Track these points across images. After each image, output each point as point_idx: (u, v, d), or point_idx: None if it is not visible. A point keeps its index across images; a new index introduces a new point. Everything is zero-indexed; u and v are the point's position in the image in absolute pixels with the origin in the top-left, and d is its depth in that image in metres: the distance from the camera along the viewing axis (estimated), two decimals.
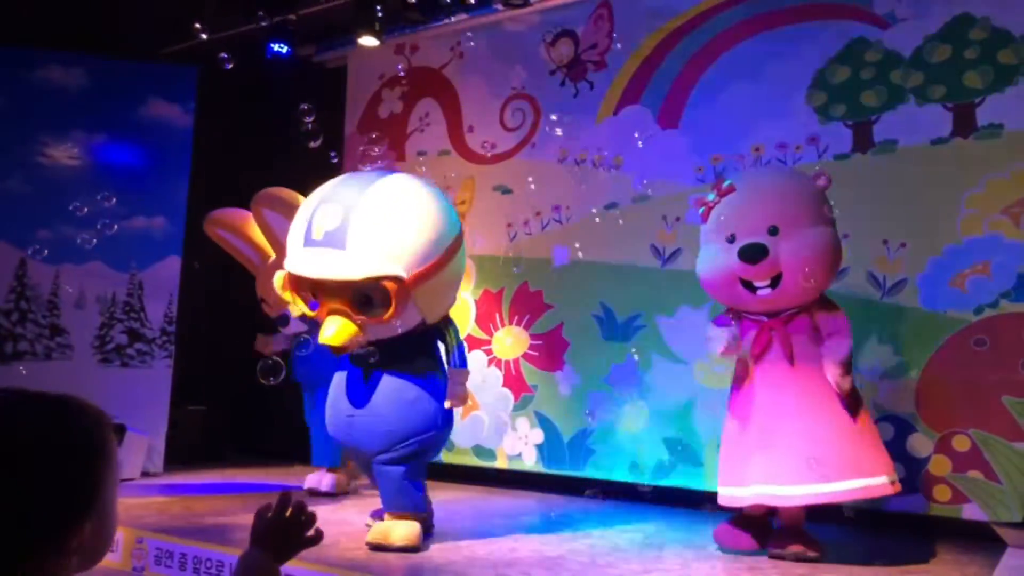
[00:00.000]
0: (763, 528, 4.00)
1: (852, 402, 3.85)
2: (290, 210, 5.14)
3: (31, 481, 1.08)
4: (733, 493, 3.91)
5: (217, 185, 6.51)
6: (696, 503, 5.00)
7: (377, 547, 3.80)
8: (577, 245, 5.79)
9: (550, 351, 5.93)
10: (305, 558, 3.55)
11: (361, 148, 6.22)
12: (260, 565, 1.43)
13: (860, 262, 4.91)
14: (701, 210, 4.13)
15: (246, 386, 5.90)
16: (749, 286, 3.88)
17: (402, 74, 6.72)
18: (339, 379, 4.10)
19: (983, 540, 4.21)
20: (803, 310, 3.92)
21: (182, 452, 6.40)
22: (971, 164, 4.68)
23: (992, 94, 4.67)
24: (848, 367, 3.81)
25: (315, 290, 3.86)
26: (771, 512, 3.99)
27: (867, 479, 3.72)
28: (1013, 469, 4.40)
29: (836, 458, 3.70)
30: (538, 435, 5.90)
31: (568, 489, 5.61)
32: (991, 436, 4.47)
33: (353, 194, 3.79)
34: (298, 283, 3.85)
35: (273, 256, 5.38)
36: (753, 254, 3.78)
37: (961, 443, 4.54)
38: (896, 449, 4.69)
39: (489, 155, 6.30)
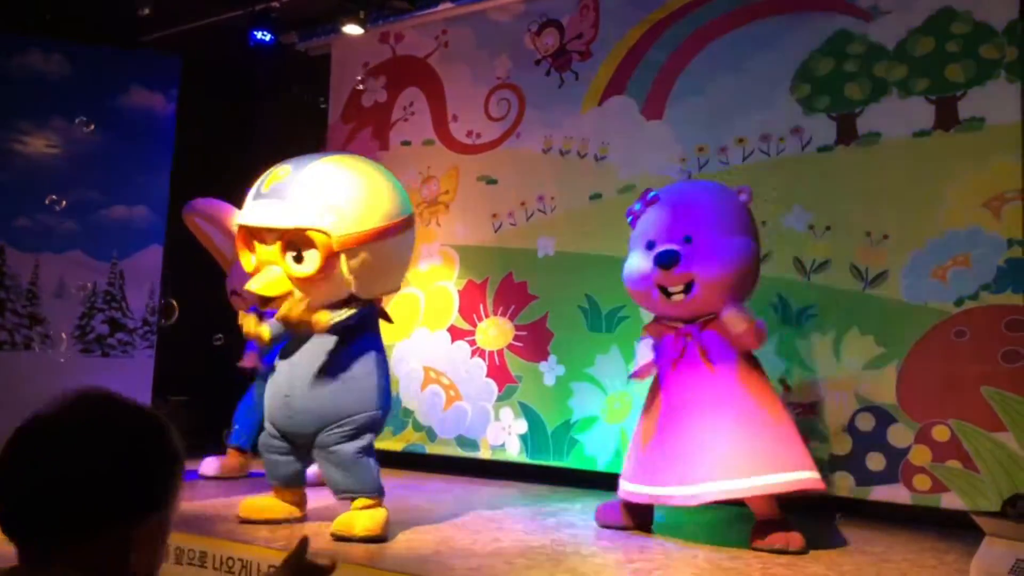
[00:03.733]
0: (642, 511, 4.21)
1: (770, 400, 3.98)
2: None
3: (136, 457, 1.21)
4: (637, 490, 4.07)
5: (199, 174, 6.45)
6: None
7: (341, 538, 3.73)
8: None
9: (534, 342, 5.93)
10: (288, 549, 3.55)
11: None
12: None
13: (842, 254, 4.95)
14: (629, 219, 4.37)
15: (229, 377, 5.91)
16: (665, 291, 4.06)
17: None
18: (277, 364, 4.08)
19: (962, 529, 4.25)
20: (718, 316, 4.03)
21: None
22: (953, 157, 4.71)
23: (974, 88, 4.70)
24: (743, 321, 3.92)
25: (255, 242, 3.88)
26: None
27: (789, 474, 3.80)
28: (991, 459, 4.45)
29: (751, 455, 3.80)
30: (522, 425, 5.91)
31: (551, 479, 5.63)
32: (970, 426, 4.52)
33: (307, 159, 3.96)
34: (243, 237, 3.92)
35: None
36: (667, 260, 3.98)
37: (941, 433, 4.59)
38: (877, 439, 4.75)
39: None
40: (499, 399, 6.02)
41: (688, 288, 4.00)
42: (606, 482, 4.58)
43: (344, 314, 3.88)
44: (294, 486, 4.12)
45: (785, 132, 5.17)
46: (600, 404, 5.61)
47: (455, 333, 6.26)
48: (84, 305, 6.22)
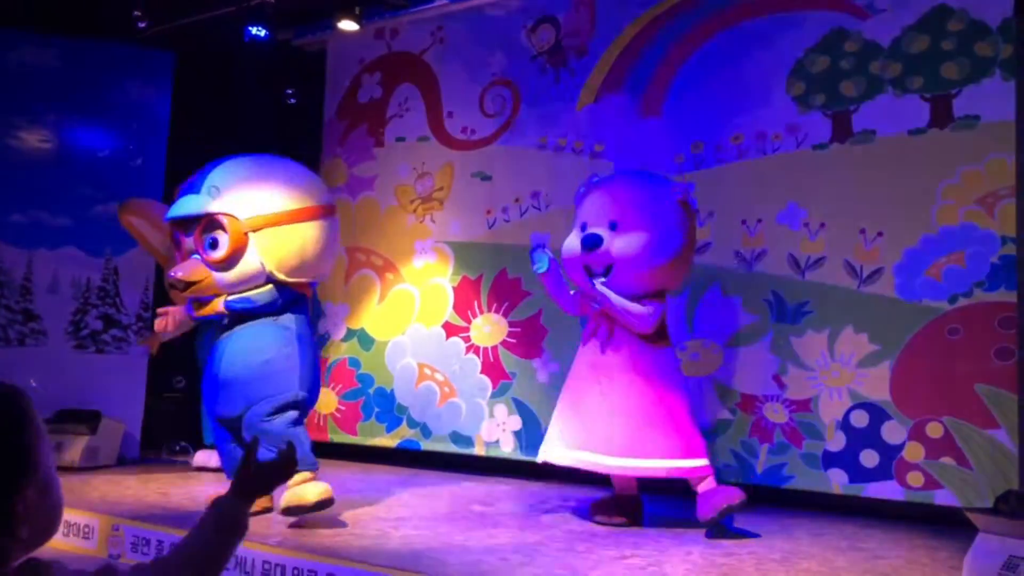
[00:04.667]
0: (635, 508, 4.37)
1: (658, 386, 4.19)
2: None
3: None
4: (552, 454, 4.35)
5: (193, 169, 6.42)
6: (672, 488, 5.02)
7: (293, 511, 3.88)
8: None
9: (528, 338, 5.93)
10: (284, 545, 3.56)
11: None
12: (230, 507, 1.50)
13: (837, 251, 4.96)
14: (575, 200, 4.58)
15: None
16: (589, 271, 4.27)
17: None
18: (213, 347, 4.31)
19: (955, 525, 4.26)
20: (636, 300, 4.24)
21: (158, 439, 6.35)
22: (947, 155, 4.72)
23: (968, 85, 4.71)
24: (636, 316, 4.19)
25: (180, 236, 4.19)
26: (639, 497, 4.41)
27: (668, 460, 4.10)
28: (984, 456, 4.47)
29: (636, 436, 4.11)
30: (516, 422, 5.91)
31: (545, 476, 5.63)
32: (964, 423, 4.53)
33: (223, 159, 4.27)
34: (172, 233, 4.25)
35: None
36: (590, 243, 4.21)
37: (934, 430, 4.60)
38: (871, 436, 4.76)
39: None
40: (493, 396, 6.02)
41: (608, 271, 4.22)
42: (600, 478, 4.58)
43: (241, 294, 4.12)
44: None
45: (780, 129, 5.17)
46: None
47: (450, 329, 6.25)
48: (78, 301, 6.21)
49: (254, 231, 4.06)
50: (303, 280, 4.30)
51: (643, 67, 5.73)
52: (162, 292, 6.42)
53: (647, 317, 4.22)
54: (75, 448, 5.54)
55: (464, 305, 6.24)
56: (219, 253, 4.03)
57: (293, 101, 7.08)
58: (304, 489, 3.92)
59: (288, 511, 3.89)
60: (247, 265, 4.08)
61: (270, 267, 4.12)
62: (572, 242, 4.37)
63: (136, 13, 5.71)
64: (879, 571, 3.51)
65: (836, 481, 4.83)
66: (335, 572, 3.30)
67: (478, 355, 6.12)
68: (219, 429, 4.23)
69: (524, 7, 6.24)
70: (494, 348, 6.07)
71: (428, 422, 6.21)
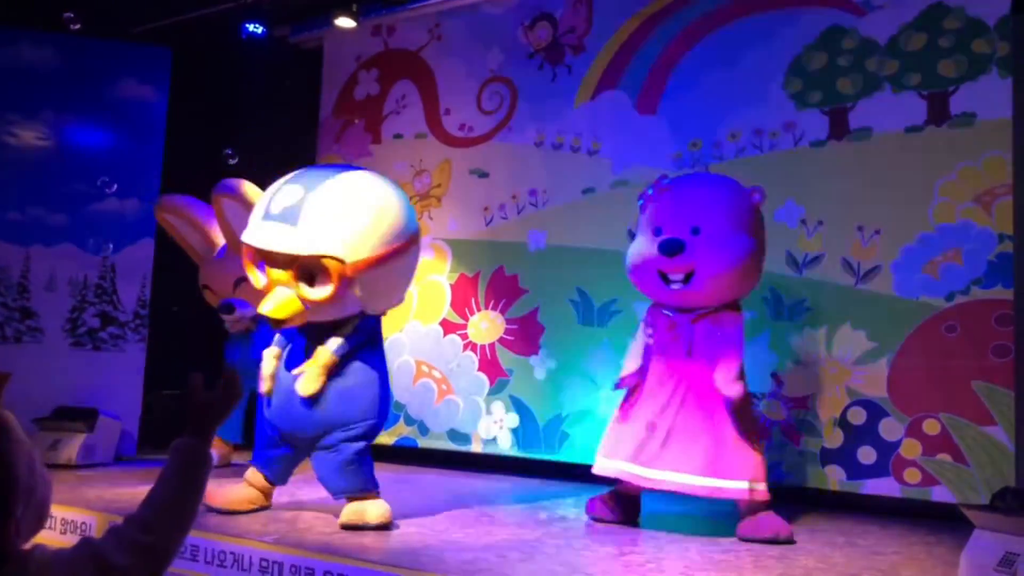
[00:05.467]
0: (631, 505, 4.27)
1: (740, 408, 3.98)
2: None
3: None
4: (605, 464, 4.18)
5: (190, 167, 6.42)
6: None
7: (352, 527, 3.83)
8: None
9: (526, 336, 5.93)
10: (283, 542, 3.55)
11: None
12: (189, 447, 1.53)
13: (835, 249, 4.97)
14: (640, 202, 4.34)
15: (220, 371, 5.89)
16: (665, 278, 4.06)
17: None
18: (283, 374, 4.09)
19: (952, 521, 4.27)
20: (712, 311, 4.07)
21: (156, 437, 6.34)
22: (944, 152, 4.73)
23: (965, 83, 4.72)
24: (736, 378, 3.94)
25: (265, 263, 3.91)
26: (639, 496, 4.28)
27: (725, 481, 3.88)
28: (981, 452, 4.48)
29: (704, 455, 3.90)
30: (513, 419, 5.92)
31: (543, 473, 5.63)
32: (961, 420, 4.54)
33: (316, 178, 3.91)
34: (252, 255, 3.95)
35: (219, 245, 5.52)
36: (671, 248, 3.97)
37: (931, 427, 4.61)
38: (868, 433, 4.77)
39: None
40: (490, 393, 6.02)
41: (688, 279, 4.00)
42: (597, 476, 4.58)
43: (339, 341, 3.96)
44: (276, 482, 4.23)
45: (778, 127, 5.18)
46: (591, 398, 5.62)
47: (447, 327, 6.25)
48: (76, 298, 6.20)
49: (358, 273, 3.79)
50: (388, 309, 4.21)
51: (640, 64, 5.73)
52: (160, 290, 6.41)
53: (734, 380, 3.96)
54: (72, 446, 5.53)
55: (461, 302, 6.24)
56: (320, 295, 3.78)
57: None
58: (366, 508, 3.88)
59: (344, 526, 3.85)
60: (345, 303, 3.88)
61: (366, 305, 3.96)
62: (645, 248, 4.14)
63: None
64: (876, 567, 3.52)
65: (833, 478, 4.84)
66: (332, 569, 3.29)
67: (475, 352, 6.12)
68: (276, 438, 4.11)
69: (521, 4, 6.23)
70: (491, 345, 6.07)
71: (425, 419, 6.21)
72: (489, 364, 6.06)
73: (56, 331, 6.14)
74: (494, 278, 6.13)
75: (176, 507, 1.45)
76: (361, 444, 3.99)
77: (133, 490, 4.86)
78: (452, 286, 6.29)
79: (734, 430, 3.95)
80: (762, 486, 3.93)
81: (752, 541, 3.87)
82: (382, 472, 4.18)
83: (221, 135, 6.98)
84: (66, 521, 4.04)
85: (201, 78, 6.80)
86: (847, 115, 5.03)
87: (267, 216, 3.86)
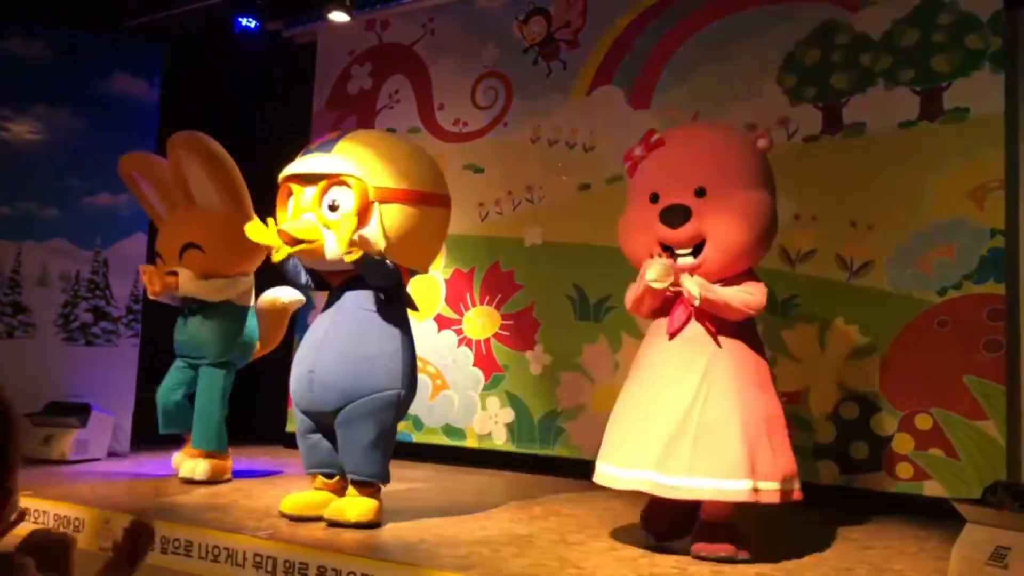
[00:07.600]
0: (687, 515, 3.55)
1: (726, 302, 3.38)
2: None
3: None
4: (613, 474, 3.49)
5: None
6: None
7: (334, 523, 3.76)
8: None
9: (521, 331, 5.93)
10: (276, 537, 3.55)
11: None
12: None
13: (828, 244, 4.97)
14: (627, 164, 3.73)
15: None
16: (671, 252, 3.44)
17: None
18: (307, 335, 4.05)
19: (943, 516, 4.29)
20: (728, 283, 3.44)
21: (149, 432, 6.32)
22: (938, 148, 4.74)
23: (959, 78, 4.73)
24: (726, 299, 3.37)
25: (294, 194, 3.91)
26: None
27: (759, 481, 3.28)
28: (972, 447, 4.50)
29: (735, 455, 3.27)
30: (508, 414, 5.92)
31: (538, 468, 5.64)
32: (953, 415, 4.56)
33: (361, 130, 4.28)
34: (286, 193, 3.95)
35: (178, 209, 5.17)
36: (674, 217, 3.36)
37: (923, 422, 4.63)
38: (860, 427, 4.79)
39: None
40: (486, 388, 6.02)
41: (698, 250, 3.40)
42: (592, 471, 4.58)
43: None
44: (330, 471, 3.99)
45: (771, 122, 5.17)
46: (587, 394, 5.62)
47: (442, 322, 6.25)
48: (68, 293, 6.18)
49: (381, 202, 3.79)
50: (411, 268, 4.06)
51: (634, 59, 5.72)
52: None
53: (759, 298, 3.40)
54: (65, 441, 5.52)
55: (456, 298, 6.23)
56: (340, 215, 3.76)
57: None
58: (349, 504, 3.78)
59: (328, 522, 3.77)
60: (365, 234, 3.77)
61: (387, 244, 3.81)
62: (641, 218, 3.52)
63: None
64: (868, 561, 3.53)
65: (826, 472, 4.86)
66: (326, 565, 3.30)
67: (471, 348, 6.12)
68: (302, 423, 3.97)
69: None
70: (487, 341, 6.07)
71: (420, 414, 6.20)
72: (484, 359, 6.06)
73: (48, 326, 6.12)
74: (489, 273, 6.12)
75: None
76: (384, 423, 3.82)
77: (126, 486, 4.85)
78: (447, 281, 6.28)
79: (768, 423, 3.43)
80: (793, 486, 3.44)
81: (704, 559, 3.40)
82: None
83: (214, 129, 6.96)
84: (59, 517, 4.03)
85: (194, 72, 6.78)
86: (841, 110, 5.03)
87: (304, 153, 4.04)
